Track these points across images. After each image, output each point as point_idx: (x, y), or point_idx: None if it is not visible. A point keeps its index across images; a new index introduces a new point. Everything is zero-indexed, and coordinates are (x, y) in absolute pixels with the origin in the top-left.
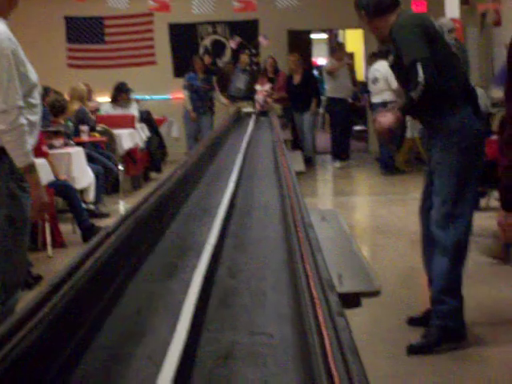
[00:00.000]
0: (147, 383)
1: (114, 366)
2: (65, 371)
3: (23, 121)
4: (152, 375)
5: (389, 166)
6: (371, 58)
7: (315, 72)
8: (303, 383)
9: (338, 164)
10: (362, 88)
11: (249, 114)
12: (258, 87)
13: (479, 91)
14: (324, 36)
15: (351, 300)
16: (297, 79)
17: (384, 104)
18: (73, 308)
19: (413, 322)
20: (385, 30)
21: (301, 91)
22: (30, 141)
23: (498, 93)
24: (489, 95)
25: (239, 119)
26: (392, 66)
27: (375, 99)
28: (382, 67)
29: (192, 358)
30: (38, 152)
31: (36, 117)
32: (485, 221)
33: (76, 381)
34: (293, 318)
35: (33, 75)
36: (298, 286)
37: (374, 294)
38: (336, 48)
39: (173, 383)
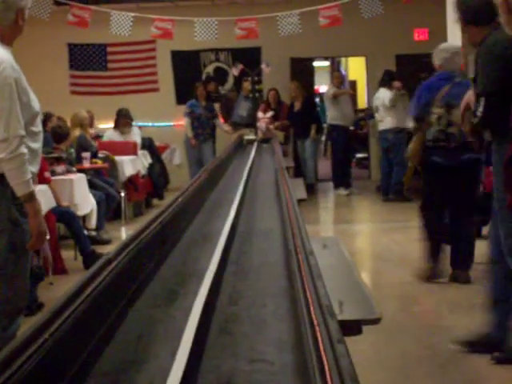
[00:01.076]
0: None
1: None
2: None
3: (24, 150)
4: None
5: (398, 192)
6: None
7: (317, 99)
8: None
9: (343, 191)
10: (369, 115)
11: (251, 142)
12: (260, 114)
13: None
14: (326, 64)
15: (352, 327)
16: (297, 106)
17: (388, 131)
18: (73, 334)
19: (472, 345)
20: (476, 39)
21: (301, 118)
22: (32, 168)
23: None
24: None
25: (241, 146)
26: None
27: (380, 127)
28: (382, 94)
29: None
30: (41, 178)
31: (38, 144)
32: (487, 249)
33: None
34: (293, 345)
35: (35, 104)
36: (298, 313)
37: (375, 321)
38: (334, 75)
39: None
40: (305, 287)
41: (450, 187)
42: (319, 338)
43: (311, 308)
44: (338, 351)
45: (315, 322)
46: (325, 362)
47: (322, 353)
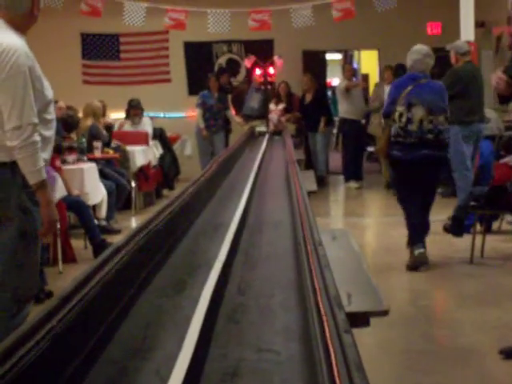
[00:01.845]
0: None
1: (121, 379)
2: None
3: (37, 138)
4: None
5: None
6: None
7: (329, 92)
8: None
9: (354, 184)
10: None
11: (262, 133)
12: (272, 106)
13: (492, 114)
14: (339, 57)
15: (360, 319)
16: (308, 98)
17: None
18: (81, 322)
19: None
20: None
21: (312, 110)
22: (44, 155)
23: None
24: (502, 118)
25: (253, 138)
26: None
27: None
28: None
29: (199, 374)
30: (52, 167)
31: (50, 132)
32: (498, 243)
33: None
34: (300, 335)
35: (49, 91)
36: (306, 303)
37: (383, 313)
38: (345, 68)
39: None
40: (313, 278)
41: (411, 180)
42: (326, 328)
43: (319, 298)
44: (344, 341)
45: (322, 312)
46: (331, 352)
47: (329, 342)
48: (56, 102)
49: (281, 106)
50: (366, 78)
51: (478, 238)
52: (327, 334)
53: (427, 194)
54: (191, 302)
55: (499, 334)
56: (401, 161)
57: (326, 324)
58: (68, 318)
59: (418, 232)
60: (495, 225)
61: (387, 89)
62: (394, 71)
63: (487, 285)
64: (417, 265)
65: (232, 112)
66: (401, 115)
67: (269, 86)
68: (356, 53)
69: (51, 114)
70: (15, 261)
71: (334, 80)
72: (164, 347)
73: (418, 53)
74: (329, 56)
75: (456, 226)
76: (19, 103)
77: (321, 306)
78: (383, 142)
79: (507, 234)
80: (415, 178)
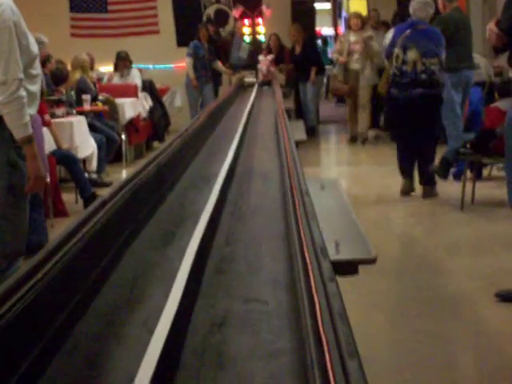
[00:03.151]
0: (141, 349)
1: (108, 332)
2: (60, 336)
3: (23, 93)
4: (146, 341)
5: None
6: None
7: (319, 41)
8: (294, 349)
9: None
10: None
11: (251, 84)
12: (261, 57)
13: (482, 60)
14: (328, 6)
15: (347, 267)
16: (298, 49)
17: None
18: (68, 275)
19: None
20: None
21: (302, 61)
22: (30, 111)
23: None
24: (492, 64)
25: (242, 88)
26: None
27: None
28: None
29: (186, 325)
30: (41, 121)
31: (36, 87)
32: (488, 190)
33: (71, 346)
34: (287, 285)
35: (34, 47)
36: (292, 253)
37: (371, 261)
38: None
39: (164, 349)
40: (299, 227)
41: (407, 118)
42: (311, 277)
43: (304, 248)
44: (329, 290)
45: (308, 262)
46: (315, 301)
47: (314, 292)
48: (46, 57)
49: (270, 57)
50: None
51: (469, 185)
52: (312, 283)
53: (424, 135)
54: (179, 254)
55: (491, 280)
56: (397, 99)
57: (310, 273)
58: (54, 271)
59: (406, 164)
60: (485, 171)
61: (353, 38)
62: (392, 18)
63: (478, 232)
64: (405, 192)
65: (219, 63)
66: (397, 57)
67: (257, 37)
68: (345, 1)
69: (36, 69)
70: (4, 216)
71: (323, 29)
72: (152, 299)
73: (417, 2)
74: (317, 5)
75: (443, 169)
76: (5, 58)
77: (306, 255)
78: (384, 81)
79: (497, 180)
80: (411, 117)
